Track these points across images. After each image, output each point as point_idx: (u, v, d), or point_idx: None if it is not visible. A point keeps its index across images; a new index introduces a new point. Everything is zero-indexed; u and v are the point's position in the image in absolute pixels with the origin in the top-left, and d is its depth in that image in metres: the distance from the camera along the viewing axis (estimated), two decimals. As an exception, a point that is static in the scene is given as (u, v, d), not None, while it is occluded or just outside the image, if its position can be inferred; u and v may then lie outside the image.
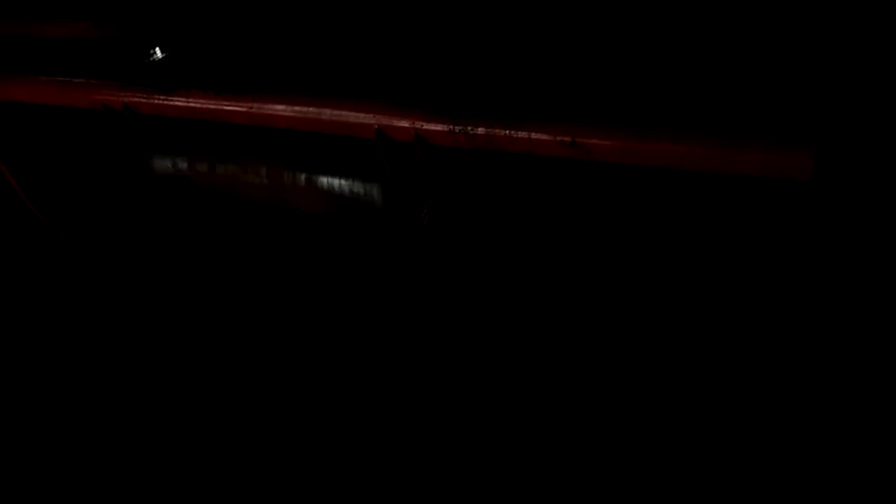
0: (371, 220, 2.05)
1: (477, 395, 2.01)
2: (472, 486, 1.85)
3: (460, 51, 1.89)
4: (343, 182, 2.06)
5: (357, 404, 2.10)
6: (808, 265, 1.62)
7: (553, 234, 1.87)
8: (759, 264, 1.66)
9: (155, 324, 2.51)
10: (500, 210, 1.92)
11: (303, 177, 2.13)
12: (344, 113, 1.84)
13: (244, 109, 1.96)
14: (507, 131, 1.62)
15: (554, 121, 1.56)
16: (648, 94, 1.61)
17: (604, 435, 1.86)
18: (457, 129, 1.68)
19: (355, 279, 2.26)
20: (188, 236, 2.57)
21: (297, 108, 1.89)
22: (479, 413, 1.98)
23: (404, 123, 1.75)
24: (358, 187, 2.04)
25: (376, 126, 1.79)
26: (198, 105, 2.03)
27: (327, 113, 1.85)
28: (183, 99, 2.05)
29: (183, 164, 2.30)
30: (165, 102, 2.07)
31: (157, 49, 2.21)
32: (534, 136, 1.58)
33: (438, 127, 1.71)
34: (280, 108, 1.91)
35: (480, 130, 1.65)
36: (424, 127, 1.73)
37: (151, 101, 2.08)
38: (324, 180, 2.10)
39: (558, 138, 1.54)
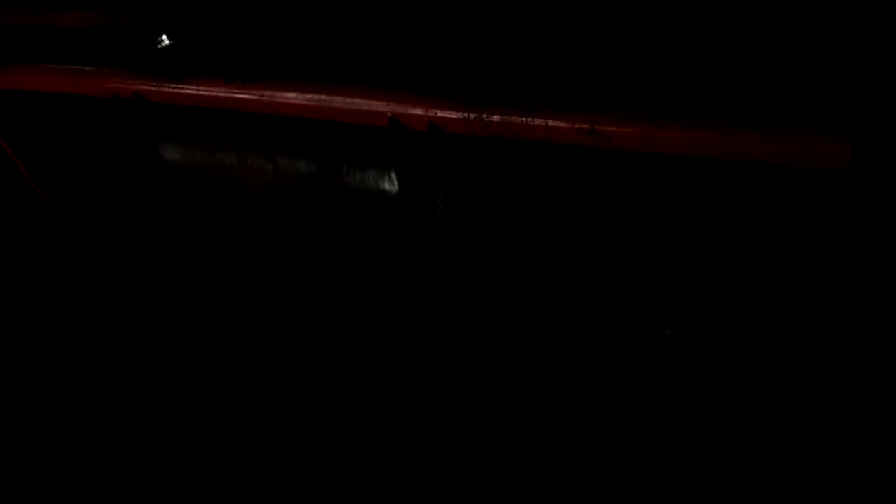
0: (384, 209, 2.03)
1: (492, 390, 1.99)
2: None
3: (475, 37, 1.86)
4: (356, 171, 2.03)
5: (368, 397, 2.08)
6: (843, 258, 1.58)
7: (569, 225, 1.84)
8: (788, 258, 1.62)
9: (165, 314, 2.50)
10: (516, 199, 1.89)
11: (315, 166, 2.10)
12: (357, 101, 1.81)
13: (255, 97, 1.94)
14: (523, 118, 1.59)
15: (572, 107, 1.53)
16: (669, 80, 1.57)
17: (618, 432, 1.83)
18: (472, 116, 1.65)
19: (369, 269, 2.24)
20: (198, 225, 2.56)
21: (308, 96, 1.87)
22: (491, 407, 1.96)
23: (418, 111, 1.72)
24: (371, 176, 2.01)
25: (390, 114, 1.76)
26: (208, 93, 2.00)
27: (340, 101, 1.83)
28: (193, 87, 2.02)
29: (193, 153, 2.28)
30: (175, 90, 2.04)
31: (167, 37, 2.18)
32: (551, 123, 1.55)
33: (453, 114, 1.68)
34: (291, 96, 1.89)
35: (496, 118, 1.62)
36: (439, 114, 1.70)
37: (161, 89, 2.06)
38: (336, 169, 2.07)
39: (577, 125, 1.51)
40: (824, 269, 1.60)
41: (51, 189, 2.65)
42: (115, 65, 2.16)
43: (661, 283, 1.79)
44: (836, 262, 1.58)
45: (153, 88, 2.07)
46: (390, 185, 1.99)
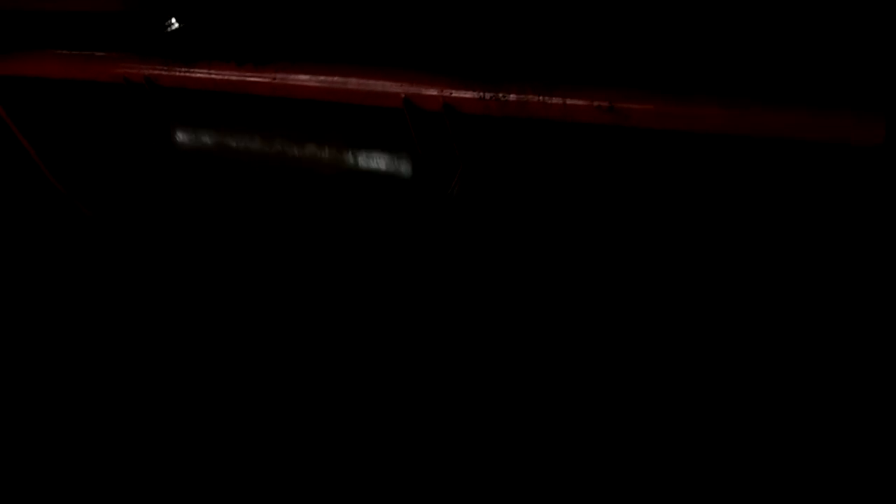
0: (399, 191, 2.01)
1: (508, 381, 1.97)
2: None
3: (489, 14, 1.82)
4: (369, 153, 2.01)
5: (374, 390, 2.07)
6: (875, 236, 1.54)
7: (587, 205, 1.81)
8: (817, 237, 1.59)
9: (176, 302, 2.50)
10: (532, 181, 1.86)
11: (328, 149, 2.08)
12: (370, 82, 1.78)
13: (267, 80, 1.91)
14: (540, 97, 1.56)
15: (590, 85, 1.50)
16: (692, 56, 1.53)
17: (631, 429, 1.80)
18: (487, 95, 1.62)
19: (384, 252, 2.22)
20: (210, 210, 2.54)
21: (321, 78, 1.84)
22: (500, 400, 1.94)
23: (432, 91, 1.70)
24: (385, 158, 1.99)
25: (403, 95, 1.73)
26: (219, 77, 1.98)
27: (353, 82, 1.80)
28: (204, 71, 2.00)
29: (205, 137, 2.26)
30: (186, 74, 2.03)
31: (177, 20, 2.16)
32: (569, 101, 1.52)
33: (468, 94, 1.65)
34: (304, 79, 1.87)
35: (512, 97, 1.59)
36: (453, 94, 1.67)
37: (172, 73, 2.04)
38: (349, 152, 2.05)
39: (595, 103, 1.48)
40: (856, 250, 1.56)
41: (64, 177, 2.65)
42: (126, 49, 2.15)
43: (685, 268, 1.76)
44: (868, 240, 1.55)
45: (164, 73, 2.06)
46: (404, 167, 1.97)
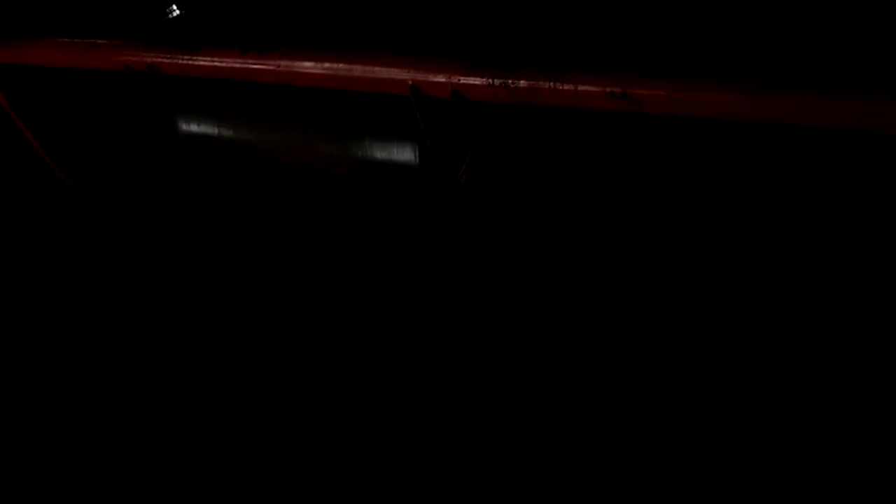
0: (405, 180, 1.98)
1: (515, 378, 1.94)
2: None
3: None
4: (375, 142, 1.98)
5: (381, 382, 2.05)
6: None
7: (598, 196, 1.78)
8: (834, 230, 1.55)
9: (184, 294, 2.48)
10: (542, 169, 1.82)
11: (333, 137, 2.05)
12: (376, 69, 1.75)
13: (271, 68, 1.88)
14: (550, 83, 1.52)
15: (602, 71, 1.46)
16: (705, 40, 1.49)
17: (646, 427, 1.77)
18: (496, 82, 1.58)
19: (390, 242, 2.20)
20: (215, 200, 2.52)
21: (326, 65, 1.81)
22: (509, 394, 1.91)
23: (440, 78, 1.66)
24: (391, 147, 1.96)
25: (410, 82, 1.70)
26: (223, 64, 1.95)
27: (358, 69, 1.77)
28: (207, 58, 1.97)
29: (210, 126, 2.23)
30: (190, 62, 1.99)
31: (179, 7, 2.13)
32: (580, 87, 1.48)
33: (477, 80, 1.61)
34: (308, 66, 1.83)
35: (522, 83, 1.55)
36: (462, 81, 1.63)
37: (175, 61, 2.01)
38: (355, 141, 2.02)
39: (608, 89, 1.44)
40: (876, 244, 1.53)
41: (67, 167, 2.63)
42: (128, 37, 2.12)
43: (698, 261, 1.73)
44: (888, 235, 1.51)
45: (167, 60, 2.02)
46: (411, 156, 1.93)
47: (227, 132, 2.23)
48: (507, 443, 1.81)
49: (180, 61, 2.00)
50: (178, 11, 2.11)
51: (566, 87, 1.50)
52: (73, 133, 2.60)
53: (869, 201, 1.51)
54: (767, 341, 1.71)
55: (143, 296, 2.53)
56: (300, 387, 2.11)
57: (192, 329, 2.38)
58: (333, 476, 1.87)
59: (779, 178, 1.56)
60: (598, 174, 1.76)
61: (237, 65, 1.92)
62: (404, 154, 1.94)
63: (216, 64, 1.95)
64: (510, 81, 1.57)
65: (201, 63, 1.98)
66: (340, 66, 1.78)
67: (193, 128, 2.29)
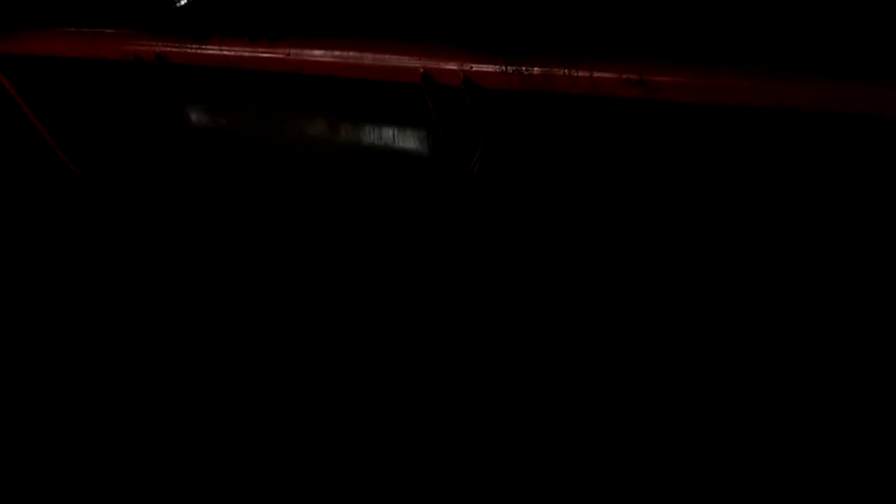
0: (417, 170, 1.95)
1: (524, 375, 1.92)
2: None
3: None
4: (387, 131, 1.96)
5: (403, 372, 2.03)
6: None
7: (613, 186, 1.75)
8: (863, 218, 1.52)
9: (191, 286, 2.47)
10: (556, 158, 1.80)
11: (344, 126, 2.03)
12: (386, 57, 1.72)
13: (281, 56, 1.86)
14: (565, 70, 1.49)
15: (618, 57, 1.43)
16: (727, 25, 1.46)
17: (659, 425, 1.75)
18: (510, 69, 1.55)
19: (401, 234, 2.18)
20: (223, 190, 2.51)
21: (336, 54, 1.78)
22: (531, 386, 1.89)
23: (452, 66, 1.63)
24: (402, 136, 1.94)
25: (422, 69, 1.67)
26: (232, 53, 1.93)
27: (369, 57, 1.74)
28: (216, 47, 1.95)
29: (219, 115, 2.21)
30: (198, 51, 1.97)
31: (188, -5, 2.11)
32: (596, 74, 1.45)
33: (489, 68, 1.58)
34: (318, 54, 1.81)
35: (536, 70, 1.52)
36: (474, 68, 1.61)
37: (184, 50, 1.99)
38: (366, 130, 1.99)
39: (624, 76, 1.41)
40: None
41: (76, 156, 2.62)
42: (137, 26, 2.10)
43: (722, 252, 1.70)
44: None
45: (175, 49, 2.00)
46: (423, 146, 1.91)
47: (236, 122, 2.22)
48: (513, 441, 1.80)
49: (189, 50, 1.98)
50: (186, 0, 2.08)
51: (581, 73, 1.47)
52: (83, 123, 2.59)
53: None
54: (792, 334, 1.68)
55: (148, 287, 2.52)
56: (307, 381, 2.10)
57: (197, 320, 2.37)
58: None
59: (800, 168, 1.53)
60: (614, 164, 1.73)
61: (246, 53, 1.90)
62: (416, 143, 1.92)
63: (225, 53, 1.93)
64: (524, 68, 1.54)
65: (210, 52, 1.96)
66: (351, 54, 1.76)
67: (202, 117, 2.27)
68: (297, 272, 2.37)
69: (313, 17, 1.92)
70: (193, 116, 2.28)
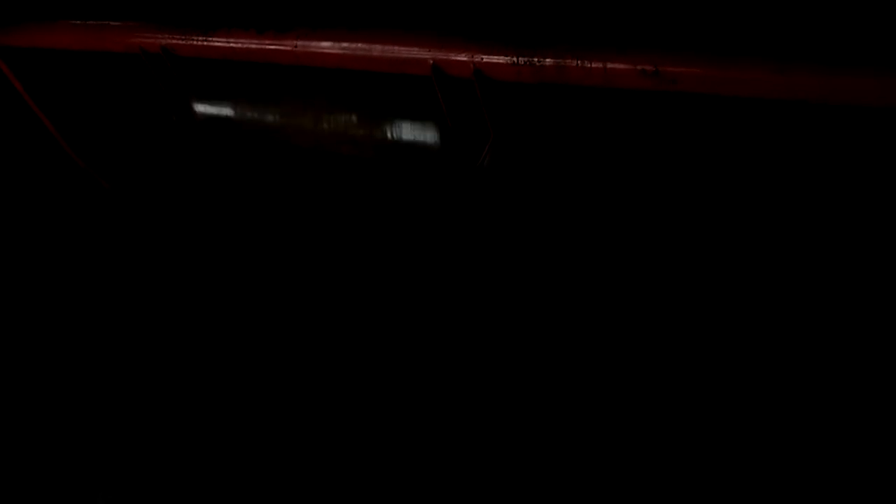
0: (426, 163, 1.93)
1: (539, 369, 1.90)
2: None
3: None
4: (395, 124, 1.94)
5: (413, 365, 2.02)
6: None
7: (627, 180, 1.72)
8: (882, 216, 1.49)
9: (197, 280, 2.46)
10: (568, 152, 1.77)
11: (352, 119, 2.00)
12: (396, 48, 1.70)
13: (288, 48, 1.84)
14: (578, 61, 1.46)
15: (633, 48, 1.40)
16: (747, 13, 1.43)
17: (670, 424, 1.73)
18: (521, 60, 1.53)
19: (410, 228, 2.16)
20: (229, 183, 2.49)
21: (344, 45, 1.76)
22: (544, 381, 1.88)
23: (462, 57, 1.61)
24: (411, 129, 1.91)
25: (432, 61, 1.65)
26: (239, 45, 1.91)
27: (378, 49, 1.72)
28: (223, 39, 1.93)
29: (226, 108, 2.19)
30: (205, 43, 1.95)
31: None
32: (609, 65, 1.43)
33: (500, 59, 1.56)
34: (326, 46, 1.78)
35: (548, 61, 1.50)
36: (484, 60, 1.58)
37: (190, 42, 1.97)
38: (374, 122, 1.97)
39: (639, 67, 1.39)
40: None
41: (82, 149, 2.60)
42: (142, 19, 2.08)
43: (739, 247, 1.67)
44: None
45: (181, 42, 1.98)
46: (432, 138, 1.89)
47: (242, 114, 2.20)
48: (518, 440, 1.79)
49: (195, 43, 1.96)
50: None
51: (594, 64, 1.44)
52: (88, 116, 2.57)
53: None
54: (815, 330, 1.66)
55: (153, 282, 2.51)
56: (315, 376, 2.09)
57: (204, 314, 2.36)
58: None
59: (824, 162, 1.51)
60: (626, 157, 1.71)
61: (253, 46, 1.88)
62: (425, 136, 1.90)
63: (232, 45, 1.91)
64: (535, 59, 1.51)
65: (217, 44, 1.93)
66: (359, 45, 1.74)
67: (208, 110, 2.25)
68: (302, 265, 2.36)
69: (321, 9, 1.89)
70: (199, 109, 2.26)
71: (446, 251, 2.12)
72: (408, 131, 1.92)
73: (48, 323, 2.49)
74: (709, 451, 1.64)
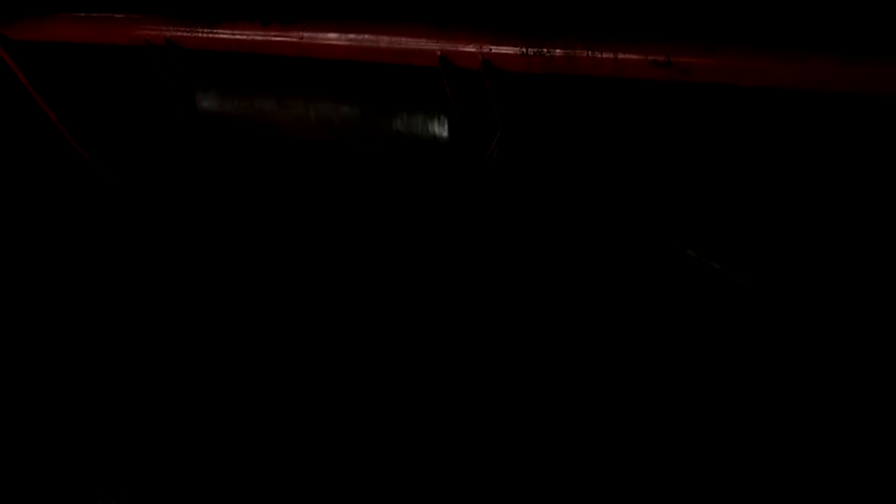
0: (432, 156, 1.91)
1: (547, 368, 1.88)
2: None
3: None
4: (402, 116, 1.91)
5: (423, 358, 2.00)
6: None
7: (640, 172, 1.70)
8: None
9: (203, 274, 2.45)
10: (578, 145, 1.75)
11: (358, 112, 1.98)
12: (403, 39, 1.68)
13: (294, 40, 1.82)
14: (588, 52, 1.44)
15: (644, 37, 1.38)
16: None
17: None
18: (531, 51, 1.51)
19: (417, 220, 2.14)
20: (237, 176, 2.48)
21: (351, 37, 1.74)
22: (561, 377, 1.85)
23: (471, 48, 1.58)
24: (418, 121, 1.89)
25: (439, 52, 1.63)
26: (244, 37, 1.89)
27: (385, 40, 1.70)
28: (228, 31, 1.91)
29: (231, 101, 2.17)
30: (210, 35, 1.94)
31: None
32: (620, 55, 1.40)
33: (509, 50, 1.54)
34: (333, 37, 1.76)
35: (558, 52, 1.47)
36: (493, 50, 1.56)
37: (195, 34, 1.95)
38: (381, 115, 1.95)
39: (650, 57, 1.36)
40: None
41: (87, 143, 2.59)
42: (146, 11, 2.06)
43: (748, 241, 1.65)
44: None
45: (186, 34, 1.97)
46: (439, 131, 1.86)
47: (248, 107, 2.18)
48: (530, 438, 1.77)
49: (200, 35, 1.95)
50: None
51: (605, 55, 1.42)
52: (93, 109, 2.56)
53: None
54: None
55: (158, 277, 2.50)
56: (322, 370, 2.07)
57: (210, 309, 2.35)
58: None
59: (840, 155, 1.48)
60: (639, 150, 1.68)
61: (259, 37, 1.86)
62: (432, 128, 1.87)
63: (237, 37, 1.89)
64: (545, 50, 1.49)
65: (222, 36, 1.92)
66: (366, 37, 1.72)
67: (214, 103, 2.23)
68: (307, 258, 2.34)
69: (326, 0, 1.87)
70: (205, 102, 2.24)
71: (454, 245, 2.10)
72: (415, 124, 1.90)
73: (51, 317, 2.48)
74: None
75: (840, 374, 1.59)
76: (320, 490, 1.82)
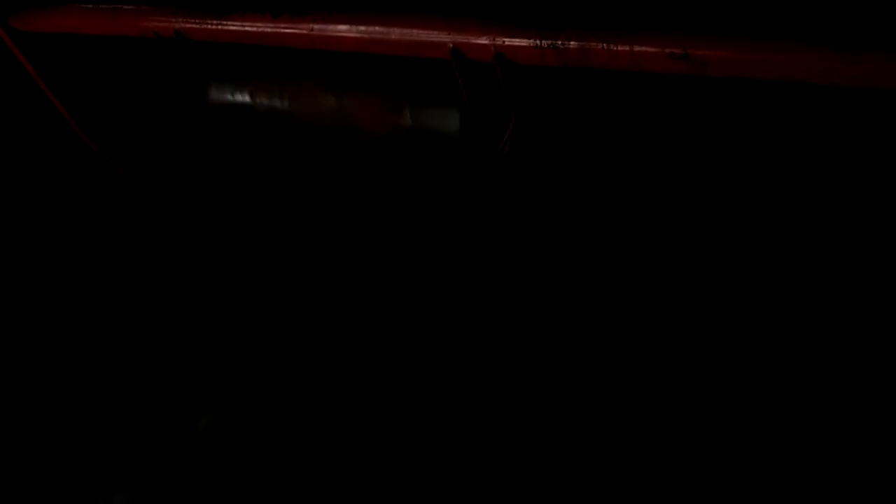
0: (445, 149, 1.89)
1: (562, 360, 1.86)
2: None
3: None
4: (414, 109, 1.89)
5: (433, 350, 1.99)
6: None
7: (654, 166, 1.68)
8: None
9: (212, 267, 2.44)
10: (592, 138, 1.73)
11: (369, 104, 1.96)
12: (414, 31, 1.66)
13: (304, 32, 1.80)
14: (604, 44, 1.42)
15: (661, 30, 1.35)
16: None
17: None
18: (545, 43, 1.48)
19: (428, 213, 2.12)
20: (247, 169, 2.47)
21: (361, 29, 1.72)
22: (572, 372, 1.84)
23: (483, 40, 1.56)
24: (430, 114, 1.87)
25: (451, 44, 1.60)
26: (254, 29, 1.87)
27: (396, 32, 1.68)
28: (237, 23, 1.89)
29: (240, 93, 2.16)
30: (219, 27, 1.92)
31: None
32: (636, 48, 1.38)
33: (523, 42, 1.52)
34: (343, 29, 1.74)
35: (573, 45, 1.45)
36: (506, 43, 1.54)
37: (204, 26, 1.94)
38: (392, 107, 1.93)
39: (667, 50, 1.34)
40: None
41: (97, 135, 2.58)
42: (155, 2, 2.04)
43: (763, 235, 1.63)
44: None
45: (195, 26, 1.95)
46: (451, 124, 1.85)
47: (257, 99, 2.16)
48: (534, 437, 1.76)
49: (209, 27, 1.93)
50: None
51: (621, 48, 1.40)
52: (102, 101, 2.55)
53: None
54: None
55: (168, 271, 2.49)
56: (329, 367, 2.07)
57: (220, 303, 2.34)
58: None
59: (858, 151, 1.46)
60: (652, 144, 1.66)
61: (268, 29, 1.84)
62: (443, 121, 1.86)
63: (247, 29, 1.88)
64: (559, 43, 1.47)
65: (231, 28, 1.90)
66: (377, 29, 1.70)
67: (223, 95, 2.22)
68: (317, 252, 2.33)
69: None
70: (214, 94, 2.23)
71: (466, 239, 2.08)
72: (426, 116, 1.88)
73: (58, 312, 2.48)
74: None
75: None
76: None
